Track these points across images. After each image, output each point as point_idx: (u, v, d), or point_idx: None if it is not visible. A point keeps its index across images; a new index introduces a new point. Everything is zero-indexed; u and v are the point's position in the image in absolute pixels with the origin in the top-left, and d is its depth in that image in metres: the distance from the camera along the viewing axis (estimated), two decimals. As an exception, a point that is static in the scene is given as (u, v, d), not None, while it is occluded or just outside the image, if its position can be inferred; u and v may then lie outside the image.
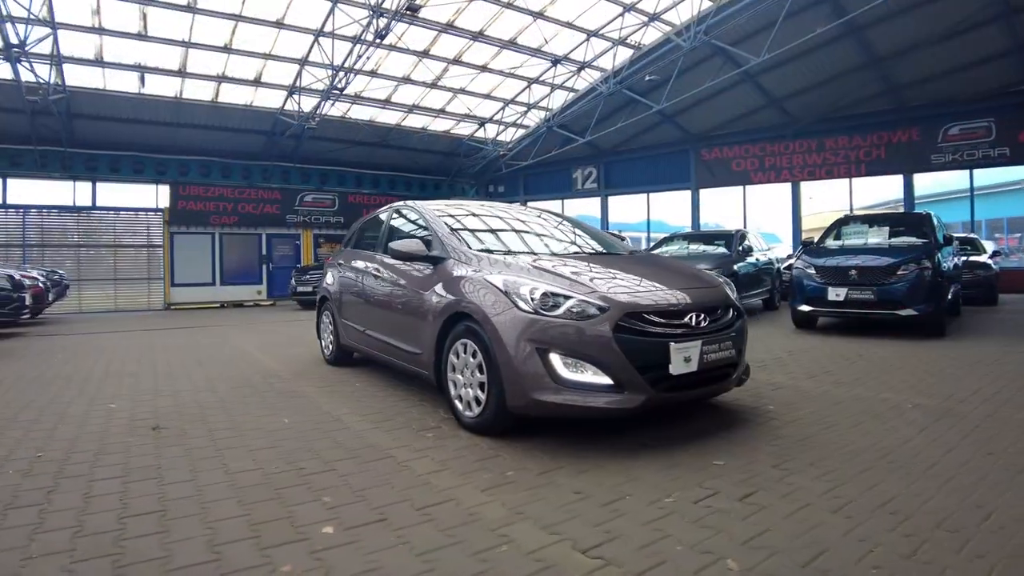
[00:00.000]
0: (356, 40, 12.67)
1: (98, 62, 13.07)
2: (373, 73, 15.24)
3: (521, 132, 19.44)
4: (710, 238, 9.72)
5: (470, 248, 3.68)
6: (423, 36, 13.94)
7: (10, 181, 15.24)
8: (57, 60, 11.91)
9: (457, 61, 15.04)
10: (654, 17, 13.65)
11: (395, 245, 3.89)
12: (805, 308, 6.91)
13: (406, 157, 20.26)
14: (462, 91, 16.62)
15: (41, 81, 12.18)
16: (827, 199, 16.30)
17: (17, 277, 8.52)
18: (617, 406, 2.80)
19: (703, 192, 18.17)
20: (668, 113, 16.64)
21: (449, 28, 13.65)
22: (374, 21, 11.88)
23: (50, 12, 10.42)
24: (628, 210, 20.42)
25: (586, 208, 21.36)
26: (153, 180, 17.49)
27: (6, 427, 3.61)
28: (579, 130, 17.51)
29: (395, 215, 4.77)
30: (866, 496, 2.28)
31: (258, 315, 13.50)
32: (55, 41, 11.18)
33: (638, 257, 3.97)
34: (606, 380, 2.79)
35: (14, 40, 10.37)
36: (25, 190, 15.54)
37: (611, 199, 20.39)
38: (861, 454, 2.74)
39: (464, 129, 19.19)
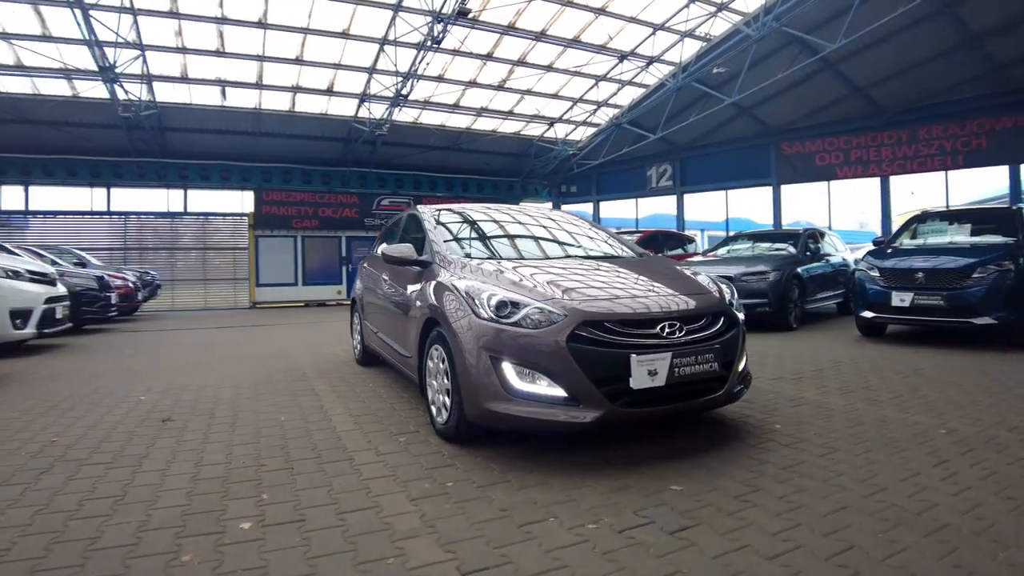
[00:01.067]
0: (419, 47, 12.98)
1: (183, 79, 14.26)
2: (440, 78, 15.55)
3: (592, 131, 19.11)
4: (777, 238, 9.06)
5: (454, 253, 3.62)
6: (486, 39, 14.04)
7: (113, 190, 17.02)
8: (147, 79, 13.11)
9: (522, 62, 15.03)
10: (721, 7, 12.95)
11: (386, 249, 3.90)
12: (867, 315, 6.24)
13: (477, 160, 20.51)
14: (529, 92, 16.58)
15: (134, 98, 13.45)
16: (925, 195, 14.75)
17: (106, 278, 9.42)
18: (570, 420, 2.62)
19: (785, 188, 16.98)
20: (745, 106, 15.73)
21: (511, 30, 13.66)
22: (433, 27, 12.10)
23: (138, 36, 11.50)
24: (705, 208, 19.53)
25: (661, 207, 20.64)
26: (239, 186, 18.82)
27: (43, 414, 3.97)
28: (651, 126, 16.95)
29: (408, 219, 4.79)
30: (822, 543, 1.94)
31: (331, 314, 14.15)
32: (144, 62, 12.32)
33: (634, 262, 3.71)
34: (560, 392, 2.62)
35: (106, 63, 11.49)
36: (126, 198, 17.30)
37: (687, 197, 19.56)
38: (846, 490, 2.36)
39: (534, 130, 19.14)
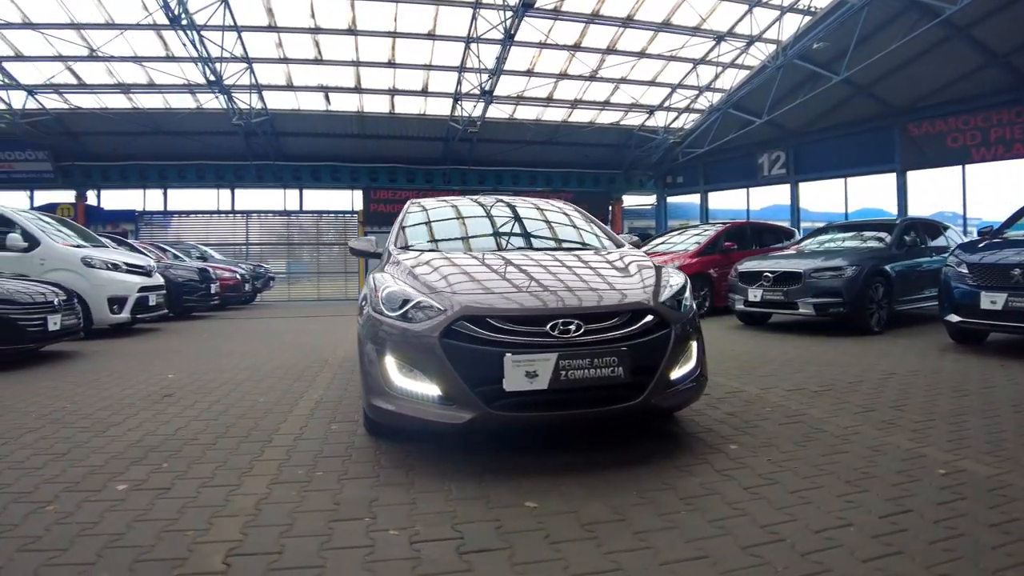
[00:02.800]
0: (502, 42, 13.02)
1: (289, 87, 15.55)
2: (530, 72, 15.50)
3: (694, 118, 18.01)
4: (871, 229, 7.91)
5: (396, 244, 3.57)
6: (571, 29, 13.75)
7: (237, 191, 19.08)
8: (256, 88, 14.48)
9: (611, 51, 14.52)
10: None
11: (351, 243, 3.93)
12: (952, 319, 5.20)
13: (576, 153, 20.19)
14: (624, 80, 15.99)
15: (245, 107, 14.92)
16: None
17: (208, 271, 10.57)
18: (443, 421, 2.44)
19: (911, 174, 14.75)
20: (861, 84, 13.87)
21: (595, 18, 13.24)
22: (511, 22, 12.07)
23: (244, 49, 12.72)
24: (823, 197, 17.61)
25: (774, 197, 18.94)
26: (348, 186, 20.19)
27: (78, 385, 4.52)
28: (757, 111, 15.57)
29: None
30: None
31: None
32: (252, 73, 13.61)
33: (588, 256, 3.40)
34: (435, 391, 2.46)
35: (218, 77, 12.87)
36: (247, 198, 19.33)
37: (802, 186, 17.72)
38: (731, 534, 1.88)
39: (634, 119, 18.45)
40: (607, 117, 18.33)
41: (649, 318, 2.60)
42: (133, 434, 3.18)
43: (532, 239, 3.80)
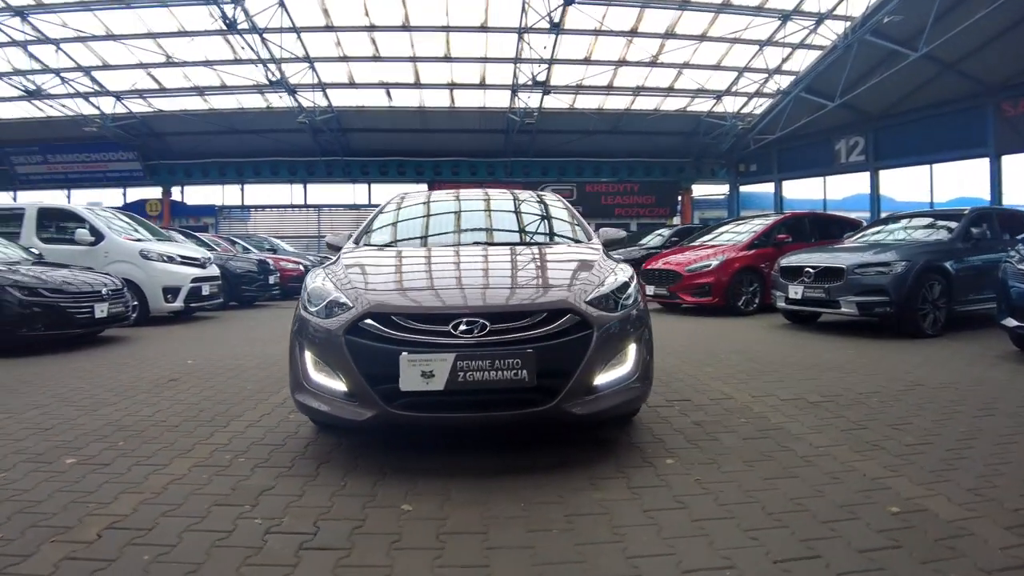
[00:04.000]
0: (552, 31, 12.82)
1: (351, 84, 16.07)
2: (587, 60, 15.18)
3: (766, 102, 16.93)
4: (940, 219, 7.08)
5: (352, 240, 3.57)
6: (626, 15, 13.31)
7: (308, 186, 20.04)
8: (321, 87, 15.10)
9: (671, 35, 13.92)
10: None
11: (328, 239, 3.97)
12: (1010, 323, 4.54)
13: (642, 141, 19.61)
14: (686, 65, 15.30)
15: (311, 105, 15.60)
16: None
17: (269, 263, 11.17)
18: (347, 417, 2.43)
19: (1007, 159, 13.04)
20: (948, 61, 12.43)
21: (651, 2, 12.74)
22: (558, 12, 11.84)
23: (304, 49, 13.29)
24: (907, 186, 16.00)
25: (855, 186, 17.47)
26: (414, 179, 20.71)
27: (106, 369, 4.90)
28: (831, 93, 14.40)
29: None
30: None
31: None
32: (314, 72, 14.21)
33: (541, 250, 3.26)
34: (342, 387, 2.45)
35: (282, 77, 13.53)
36: (318, 193, 20.29)
37: (883, 173, 16.22)
38: (585, 562, 1.73)
39: (701, 105, 17.63)
40: (672, 104, 17.62)
41: (566, 318, 2.44)
42: (116, 414, 3.40)
43: (494, 234, 3.70)
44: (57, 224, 7.93)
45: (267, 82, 14.10)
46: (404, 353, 2.31)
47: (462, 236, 3.66)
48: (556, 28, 12.25)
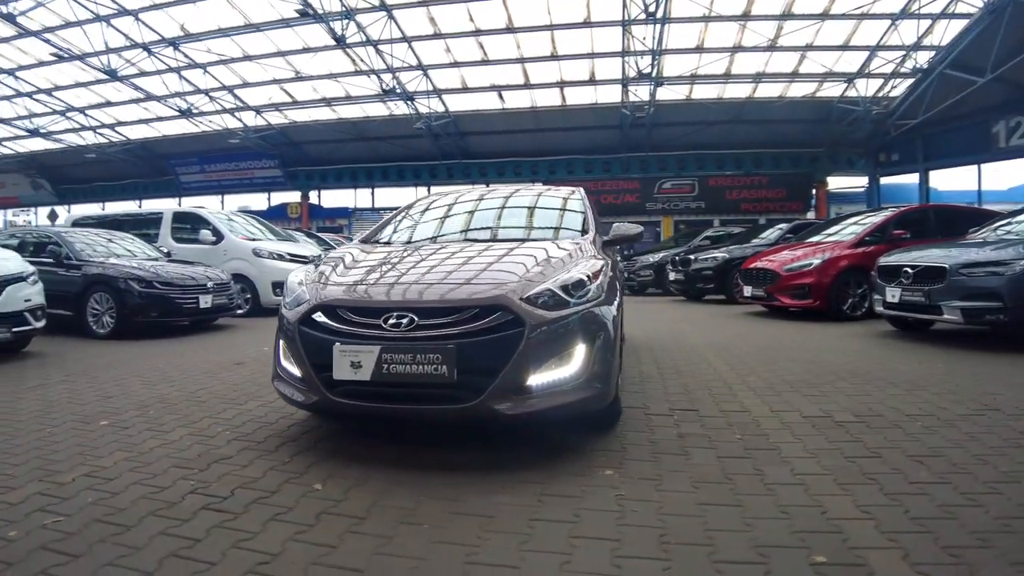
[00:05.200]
0: (659, 21, 12.34)
1: (465, 89, 16.66)
2: (700, 49, 14.42)
3: (904, 83, 14.83)
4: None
5: (363, 236, 3.77)
6: (736, -1, 12.43)
7: (432, 188, 21.07)
8: (436, 93, 15.85)
9: (788, 15, 12.74)
10: None
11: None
12: None
13: (768, 131, 18.20)
14: (809, 48, 13.91)
15: (427, 111, 16.43)
16: None
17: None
18: (299, 400, 2.62)
19: None
20: None
21: (765, -21, 11.76)
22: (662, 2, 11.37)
23: (416, 58, 14.06)
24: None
25: (1021, 174, 14.66)
26: (530, 179, 20.97)
27: (193, 352, 5.67)
28: (980, 68, 12.23)
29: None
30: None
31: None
32: (428, 79, 14.96)
33: (516, 246, 3.20)
34: (298, 373, 2.63)
35: (397, 85, 14.43)
36: None
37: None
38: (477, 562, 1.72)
39: (831, 90, 15.93)
40: (799, 89, 16.11)
41: (496, 315, 2.40)
42: (168, 390, 3.93)
43: (478, 232, 3.72)
44: (187, 226, 9.19)
45: (382, 91, 15.17)
46: (337, 344, 2.44)
47: (444, 235, 3.72)
48: (654, 17, 11.76)
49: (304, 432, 2.96)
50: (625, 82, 15.53)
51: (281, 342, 2.80)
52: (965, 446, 2.68)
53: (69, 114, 18.78)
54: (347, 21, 12.24)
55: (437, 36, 14.12)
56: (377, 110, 18.07)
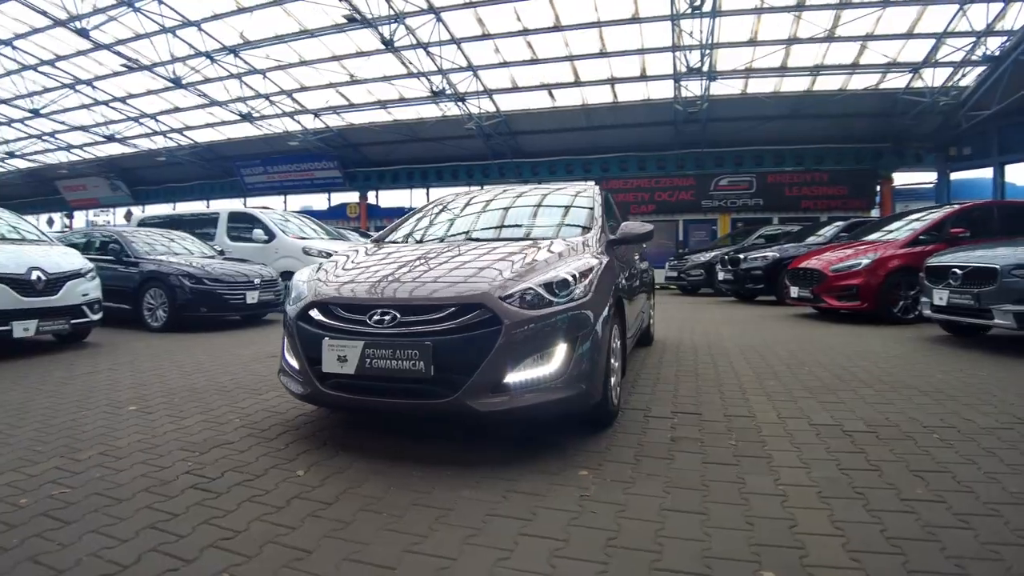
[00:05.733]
0: (698, 14, 12.01)
1: (515, 88, 16.71)
2: (753, 42, 13.91)
3: (978, 71, 13.76)
4: None
5: (377, 235, 3.90)
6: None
7: (485, 188, 21.24)
8: (486, 93, 15.99)
9: (846, 4, 12.10)
10: None
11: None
12: None
13: (829, 126, 17.33)
14: (870, 37, 13.15)
15: (478, 111, 16.59)
16: None
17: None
18: (295, 391, 2.75)
19: None
20: None
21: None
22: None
23: (465, 59, 14.23)
24: None
25: None
26: (582, 178, 20.79)
27: (233, 346, 6.00)
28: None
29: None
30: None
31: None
32: (477, 79, 15.12)
33: (502, 245, 3.21)
34: (296, 365, 2.76)
35: (447, 87, 14.67)
36: None
37: None
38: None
39: (895, 81, 15.01)
40: (860, 81, 15.24)
41: (474, 313, 2.44)
42: (199, 380, 4.18)
43: (480, 232, 3.78)
44: (241, 225, 9.69)
45: (431, 93, 15.46)
46: (326, 338, 2.55)
47: (449, 235, 3.78)
48: (700, 11, 11.42)
49: (308, 423, 3.10)
50: (677, 77, 15.17)
51: (285, 337, 2.94)
52: (979, 462, 2.50)
53: (142, 120, 20.13)
54: (396, 25, 12.54)
55: (485, 37, 14.24)
56: (430, 111, 18.40)
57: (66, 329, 5.29)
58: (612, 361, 2.97)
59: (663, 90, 16.58)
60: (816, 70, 14.75)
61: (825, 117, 16.66)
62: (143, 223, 10.25)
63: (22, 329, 4.80)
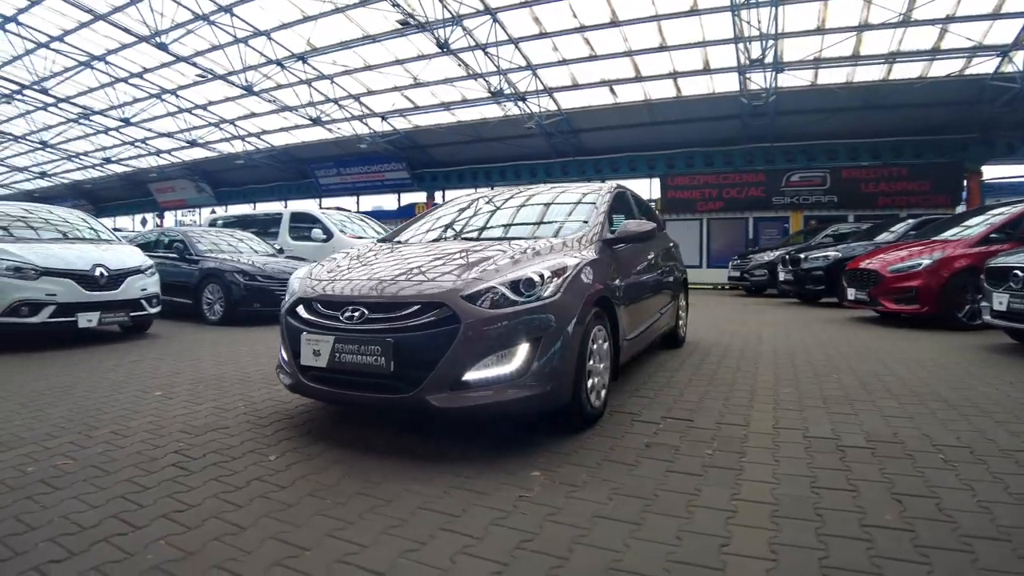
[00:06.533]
0: (771, 3, 11.47)
1: (575, 86, 16.66)
2: (821, 30, 13.14)
3: None
4: None
5: (380, 239, 4.05)
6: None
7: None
8: (547, 92, 16.07)
9: (924, -17, 11.18)
10: None
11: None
12: None
13: (907, 116, 16.12)
14: (951, 19, 12.07)
15: (539, 110, 16.62)
16: None
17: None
18: (285, 382, 2.92)
19: None
20: None
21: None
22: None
23: (524, 58, 14.39)
24: None
25: None
26: (646, 175, 20.45)
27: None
28: None
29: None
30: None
31: (709, 297, 14.01)
32: (537, 78, 15.21)
33: (485, 246, 3.19)
34: (286, 357, 2.93)
35: (503, 86, 14.82)
36: None
37: None
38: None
39: (982, 66, 13.70)
40: (942, 68, 14.02)
41: (436, 311, 2.50)
42: (229, 370, 4.49)
43: (472, 232, 3.85)
44: (302, 225, 10.22)
45: (489, 94, 15.68)
46: (304, 332, 2.70)
47: (446, 235, 3.84)
48: (758, 1, 10.90)
49: (303, 413, 3.26)
50: (741, 70, 14.57)
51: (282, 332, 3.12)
52: (977, 488, 2.26)
53: (221, 125, 21.61)
54: (452, 28, 12.83)
55: (543, 35, 14.25)
56: (492, 112, 18.64)
57: (126, 321, 5.81)
58: (593, 362, 2.94)
59: (728, 83, 15.98)
60: (892, 57, 13.71)
61: (903, 107, 15.47)
62: (213, 223, 11.03)
63: (86, 320, 5.32)
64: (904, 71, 14.35)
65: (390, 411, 3.04)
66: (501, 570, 1.66)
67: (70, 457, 2.54)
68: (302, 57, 15.84)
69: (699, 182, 19.69)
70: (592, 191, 4.12)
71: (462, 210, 4.26)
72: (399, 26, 13.24)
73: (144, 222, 27.21)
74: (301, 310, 2.84)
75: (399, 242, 3.82)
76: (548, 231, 3.63)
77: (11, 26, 14.56)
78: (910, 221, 10.05)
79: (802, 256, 10.54)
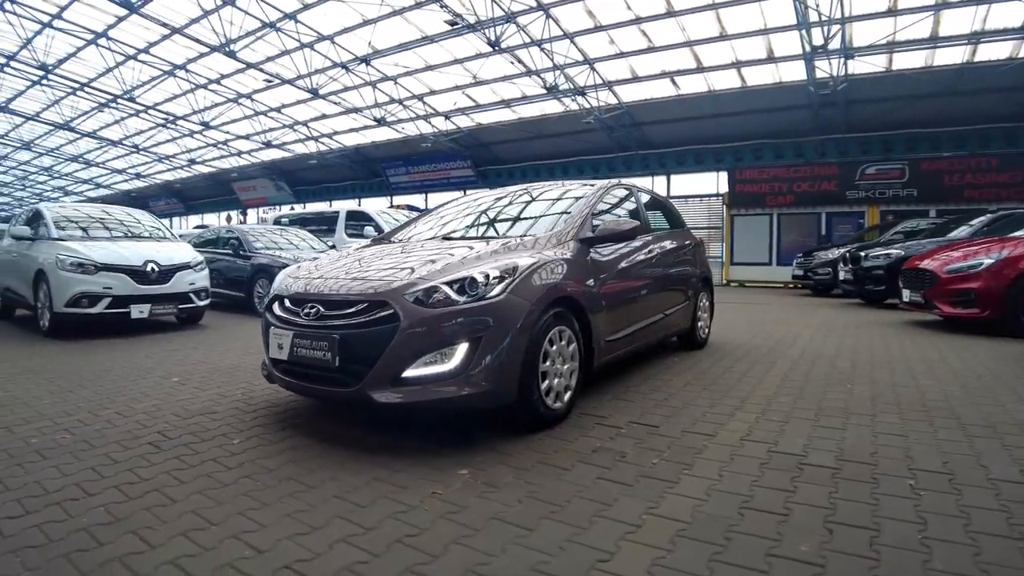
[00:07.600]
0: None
1: (635, 79, 16.39)
2: (892, 12, 12.17)
3: None
4: None
5: (376, 236, 4.22)
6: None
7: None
8: (606, 85, 15.93)
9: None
10: None
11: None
12: None
13: (996, 102, 14.61)
14: (1054, -11, 10.83)
15: (601, 104, 16.50)
16: None
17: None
18: (264, 372, 3.16)
19: None
20: None
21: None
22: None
23: (580, 53, 14.47)
24: None
25: None
26: (713, 168, 19.78)
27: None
28: None
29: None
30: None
31: (771, 297, 13.54)
32: (594, 72, 15.18)
33: (471, 245, 3.26)
34: (265, 351, 3.17)
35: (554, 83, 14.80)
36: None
37: None
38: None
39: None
40: (1037, 47, 12.60)
41: (379, 309, 2.63)
42: (245, 359, 4.82)
43: (453, 233, 3.89)
44: (356, 223, 10.70)
45: (546, 90, 15.74)
46: (272, 327, 2.92)
47: (431, 235, 3.92)
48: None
49: (290, 402, 3.47)
50: (808, 57, 13.75)
51: None
52: (931, 522, 2.01)
53: (295, 127, 22.83)
54: (505, 25, 13.00)
55: (598, 29, 14.07)
56: (553, 107, 18.64)
57: (175, 313, 6.35)
58: (550, 363, 2.95)
59: (795, 72, 15.12)
60: (976, 38, 12.46)
61: (991, 92, 14.02)
62: (276, 221, 11.78)
63: (138, 312, 5.89)
64: (990, 52, 13.02)
65: (347, 404, 3.20)
66: (369, 560, 1.74)
67: (71, 433, 2.87)
68: (365, 59, 16.49)
69: (769, 175, 18.76)
70: (580, 192, 4.10)
71: (462, 208, 4.37)
72: (448, 27, 13.51)
73: (229, 219, 29.28)
74: (275, 306, 3.05)
75: (388, 241, 3.97)
76: (521, 229, 3.67)
77: (102, 41, 16.11)
78: (984, 217, 9.16)
79: (863, 254, 9.88)
